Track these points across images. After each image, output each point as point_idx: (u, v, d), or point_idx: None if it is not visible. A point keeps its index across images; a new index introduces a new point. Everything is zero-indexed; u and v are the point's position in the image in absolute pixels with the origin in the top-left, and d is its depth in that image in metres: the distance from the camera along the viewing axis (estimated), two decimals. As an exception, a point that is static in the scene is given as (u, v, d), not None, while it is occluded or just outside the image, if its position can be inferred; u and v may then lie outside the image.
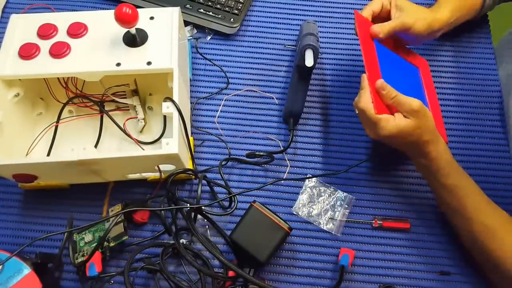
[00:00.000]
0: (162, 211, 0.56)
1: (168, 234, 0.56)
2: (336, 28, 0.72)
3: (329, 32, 0.72)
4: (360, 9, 0.59)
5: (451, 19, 0.60)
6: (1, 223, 0.59)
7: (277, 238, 0.52)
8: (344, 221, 0.59)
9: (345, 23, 0.72)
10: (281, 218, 0.53)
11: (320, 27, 0.72)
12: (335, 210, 0.59)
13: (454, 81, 0.68)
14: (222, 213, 0.57)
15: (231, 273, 0.52)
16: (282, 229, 0.52)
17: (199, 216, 0.58)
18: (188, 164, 0.56)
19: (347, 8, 0.73)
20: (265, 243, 0.52)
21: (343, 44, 0.71)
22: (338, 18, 0.73)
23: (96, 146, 0.60)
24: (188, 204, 0.55)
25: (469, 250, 0.54)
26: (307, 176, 0.61)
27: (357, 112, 0.54)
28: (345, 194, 0.60)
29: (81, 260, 0.53)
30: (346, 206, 0.59)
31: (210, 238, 0.57)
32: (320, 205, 0.59)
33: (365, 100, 0.51)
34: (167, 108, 0.50)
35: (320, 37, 0.71)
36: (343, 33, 0.72)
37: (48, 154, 0.58)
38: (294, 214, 0.59)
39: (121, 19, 0.49)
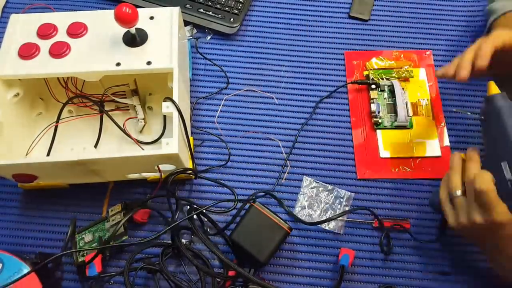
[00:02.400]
0: (169, 207, 0.55)
1: (171, 232, 0.56)
2: (337, 28, 0.72)
3: (330, 32, 0.72)
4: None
5: None
6: (0, 223, 0.59)
7: (277, 238, 0.52)
8: (345, 219, 0.58)
9: (346, 23, 0.72)
10: (281, 218, 0.53)
11: (320, 27, 0.72)
12: (335, 208, 0.59)
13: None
14: (223, 211, 0.56)
15: (231, 273, 0.52)
16: (282, 229, 0.52)
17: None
18: (188, 164, 0.56)
19: (347, 8, 0.73)
20: (265, 243, 0.52)
21: (344, 44, 0.71)
22: (338, 18, 0.73)
23: (96, 146, 0.60)
24: (194, 206, 0.54)
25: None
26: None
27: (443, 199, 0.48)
28: (343, 191, 0.60)
29: (81, 260, 0.53)
30: (345, 203, 0.59)
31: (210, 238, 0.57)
32: (320, 205, 0.59)
33: (488, 179, 0.43)
34: (167, 108, 0.50)
35: (320, 37, 0.71)
36: (343, 33, 0.72)
37: (48, 154, 0.58)
38: (294, 215, 0.59)
39: (121, 19, 0.49)
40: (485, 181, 0.43)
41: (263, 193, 0.58)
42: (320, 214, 0.59)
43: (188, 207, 0.55)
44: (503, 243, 0.44)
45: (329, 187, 0.60)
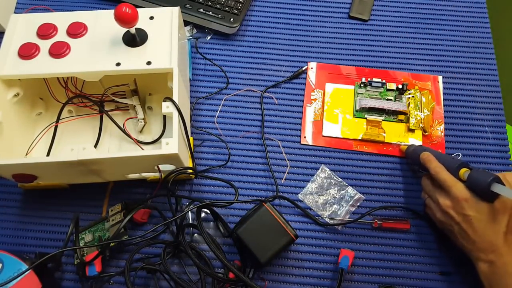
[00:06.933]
0: (169, 206, 0.55)
1: (176, 228, 0.56)
2: (337, 28, 0.72)
3: (330, 32, 0.72)
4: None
5: None
6: (0, 223, 0.59)
7: (281, 243, 0.52)
8: (345, 218, 0.58)
9: (346, 23, 0.72)
10: (289, 224, 0.53)
11: (320, 27, 0.72)
12: (341, 204, 0.59)
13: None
14: (226, 202, 0.56)
15: (232, 275, 0.52)
16: (288, 235, 0.52)
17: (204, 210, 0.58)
18: (188, 164, 0.56)
19: (347, 8, 0.73)
20: (268, 245, 0.52)
21: (344, 44, 0.71)
22: (338, 18, 0.73)
23: (95, 146, 0.60)
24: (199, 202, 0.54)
25: None
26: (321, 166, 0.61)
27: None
28: (355, 191, 0.60)
29: (81, 259, 0.53)
30: (352, 204, 0.59)
31: (212, 229, 0.58)
32: (327, 197, 0.60)
33: (437, 164, 0.53)
34: (167, 108, 0.50)
35: (320, 37, 0.71)
36: (343, 33, 0.72)
37: (48, 154, 0.58)
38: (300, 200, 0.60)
39: (121, 19, 0.49)
40: (436, 165, 0.53)
41: (275, 197, 0.58)
42: (324, 205, 0.59)
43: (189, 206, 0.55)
44: (466, 224, 0.50)
45: (344, 183, 0.60)
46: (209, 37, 0.71)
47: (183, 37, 0.61)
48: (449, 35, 0.71)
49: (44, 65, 0.52)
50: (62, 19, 0.55)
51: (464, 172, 0.51)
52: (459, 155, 0.62)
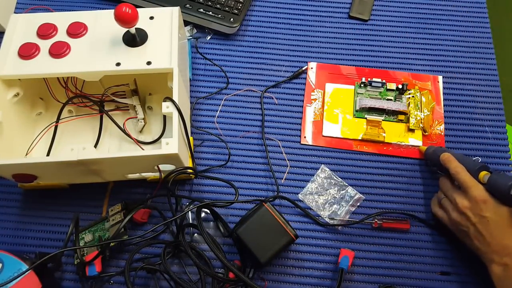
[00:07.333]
0: (169, 206, 0.55)
1: (176, 228, 0.56)
2: (337, 28, 0.72)
3: (330, 32, 0.72)
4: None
5: None
6: (0, 223, 0.59)
7: (281, 243, 0.52)
8: (345, 218, 0.58)
9: (346, 23, 0.72)
10: (289, 224, 0.53)
11: (320, 27, 0.72)
12: (341, 204, 0.59)
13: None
14: (227, 202, 0.56)
15: (232, 275, 0.52)
16: (288, 235, 0.52)
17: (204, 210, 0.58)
18: (188, 164, 0.56)
19: (347, 8, 0.73)
20: (268, 245, 0.52)
21: (344, 44, 0.71)
22: (338, 18, 0.73)
23: (95, 146, 0.60)
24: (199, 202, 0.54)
25: None
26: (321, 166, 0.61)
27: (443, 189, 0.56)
28: (355, 191, 0.60)
29: (81, 259, 0.53)
30: (352, 204, 0.59)
31: (212, 229, 0.58)
32: (327, 197, 0.60)
33: (458, 164, 0.54)
34: (167, 108, 0.50)
35: (320, 37, 0.71)
36: (343, 33, 0.72)
37: (48, 154, 0.58)
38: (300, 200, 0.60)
39: (121, 19, 0.49)
40: (457, 165, 0.53)
41: (275, 197, 0.58)
42: (324, 205, 0.59)
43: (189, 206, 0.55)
44: (482, 225, 0.50)
45: (344, 183, 0.60)
46: (209, 37, 0.71)
47: (183, 37, 0.61)
48: (449, 35, 0.71)
49: (44, 65, 0.52)
50: (62, 19, 0.55)
51: (484, 175, 0.51)
52: (479, 159, 0.61)
